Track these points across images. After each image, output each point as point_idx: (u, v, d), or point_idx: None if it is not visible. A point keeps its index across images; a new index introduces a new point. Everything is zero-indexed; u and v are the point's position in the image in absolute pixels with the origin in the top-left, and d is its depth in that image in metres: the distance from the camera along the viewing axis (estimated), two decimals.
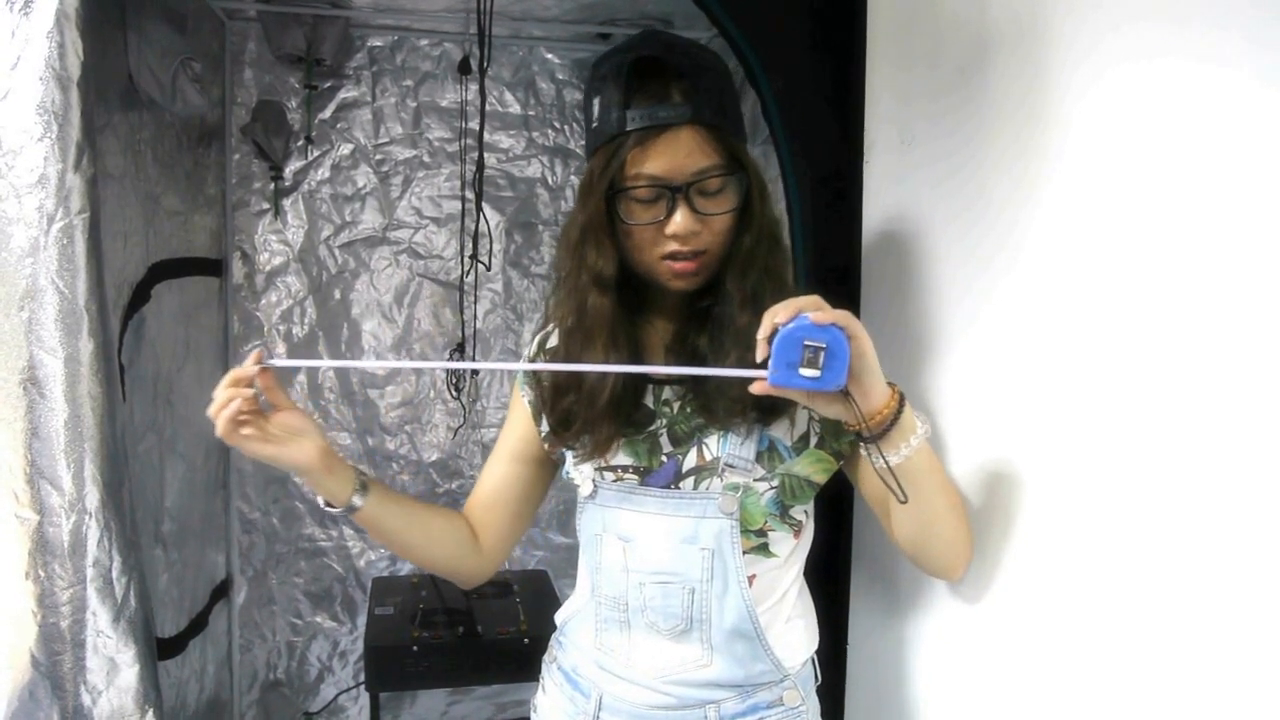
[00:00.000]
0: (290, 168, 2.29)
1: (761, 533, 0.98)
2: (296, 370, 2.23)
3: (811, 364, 0.76)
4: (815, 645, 1.06)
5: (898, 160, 1.22)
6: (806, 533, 1.04)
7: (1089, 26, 0.83)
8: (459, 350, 2.35)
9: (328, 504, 0.96)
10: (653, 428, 0.99)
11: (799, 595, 1.05)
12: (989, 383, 1.01)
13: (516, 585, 2.14)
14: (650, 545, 0.98)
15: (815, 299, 0.78)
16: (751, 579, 0.98)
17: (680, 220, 0.89)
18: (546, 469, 1.10)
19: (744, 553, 0.97)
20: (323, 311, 2.35)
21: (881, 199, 1.27)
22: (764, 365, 0.77)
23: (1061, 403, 0.88)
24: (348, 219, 2.35)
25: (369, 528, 0.99)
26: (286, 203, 2.31)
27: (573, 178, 2.45)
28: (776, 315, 0.77)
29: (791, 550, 1.02)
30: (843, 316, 0.77)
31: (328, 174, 2.33)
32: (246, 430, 0.87)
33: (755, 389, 0.79)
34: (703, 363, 0.95)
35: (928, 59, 1.15)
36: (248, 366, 0.87)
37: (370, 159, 2.34)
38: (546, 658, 1.13)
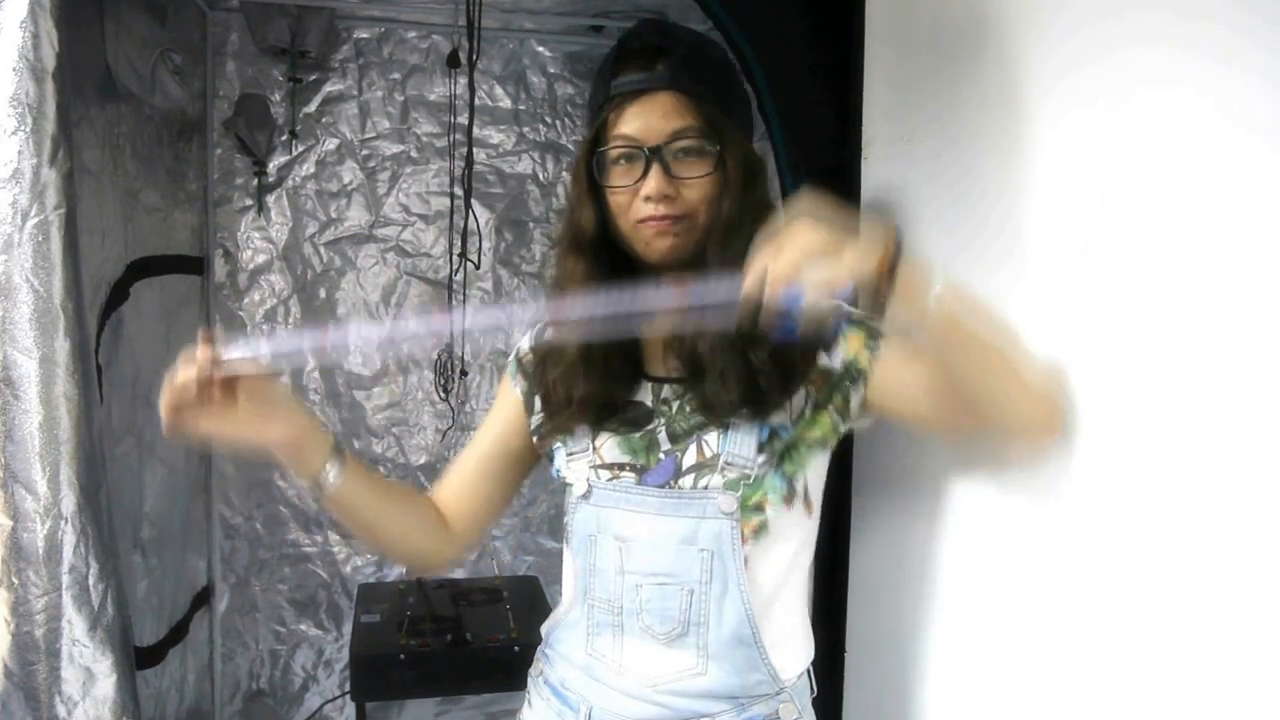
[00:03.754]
0: (274, 163, 2.26)
1: (759, 508, 0.95)
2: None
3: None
4: (811, 657, 1.05)
5: (897, 157, 1.21)
6: (809, 528, 1.01)
7: (1074, 19, 0.84)
8: (447, 350, 2.32)
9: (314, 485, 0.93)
10: (650, 426, 0.98)
11: (796, 605, 1.03)
12: None
13: (506, 591, 2.11)
14: (648, 546, 0.96)
15: (811, 239, 0.73)
16: (747, 560, 0.94)
17: (653, 182, 0.90)
18: (525, 463, 1.10)
19: (745, 538, 0.94)
20: (307, 311, 2.33)
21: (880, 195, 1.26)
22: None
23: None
24: (333, 216, 2.32)
25: (340, 506, 0.97)
26: (270, 199, 2.28)
27: (564, 174, 2.43)
28: (778, 272, 0.72)
29: (795, 552, 0.99)
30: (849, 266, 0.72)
31: (313, 169, 2.30)
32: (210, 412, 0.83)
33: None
34: (700, 366, 0.94)
35: (927, 53, 1.13)
36: (199, 355, 0.82)
37: (356, 154, 2.31)
38: (532, 671, 1.11)
